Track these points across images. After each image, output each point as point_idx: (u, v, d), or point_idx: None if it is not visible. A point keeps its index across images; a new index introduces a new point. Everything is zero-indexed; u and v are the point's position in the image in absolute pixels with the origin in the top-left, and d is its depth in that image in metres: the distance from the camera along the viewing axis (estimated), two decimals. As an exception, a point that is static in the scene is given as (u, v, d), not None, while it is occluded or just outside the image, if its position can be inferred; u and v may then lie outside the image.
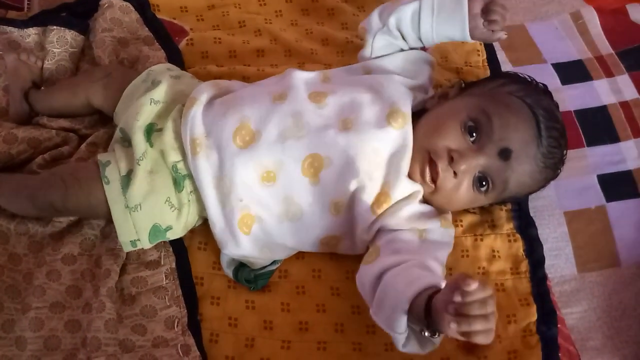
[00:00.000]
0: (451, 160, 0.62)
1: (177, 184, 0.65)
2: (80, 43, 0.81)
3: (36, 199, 0.64)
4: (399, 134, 0.64)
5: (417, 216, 0.65)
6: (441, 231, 0.66)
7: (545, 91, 0.69)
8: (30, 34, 0.80)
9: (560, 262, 0.75)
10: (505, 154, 0.63)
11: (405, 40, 0.70)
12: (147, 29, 0.83)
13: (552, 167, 0.66)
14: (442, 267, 0.63)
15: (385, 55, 0.71)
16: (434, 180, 0.63)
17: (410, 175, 0.65)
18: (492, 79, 0.70)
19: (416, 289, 0.54)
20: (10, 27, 0.80)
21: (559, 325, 0.69)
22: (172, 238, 0.67)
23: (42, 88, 0.77)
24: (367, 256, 0.63)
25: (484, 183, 0.64)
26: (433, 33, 0.68)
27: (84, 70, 0.79)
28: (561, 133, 0.66)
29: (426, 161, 0.64)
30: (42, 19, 0.81)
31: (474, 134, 0.63)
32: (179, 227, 0.66)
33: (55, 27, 0.79)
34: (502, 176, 0.64)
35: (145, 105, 0.67)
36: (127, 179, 0.64)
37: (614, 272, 0.74)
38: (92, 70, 0.77)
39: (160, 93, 0.68)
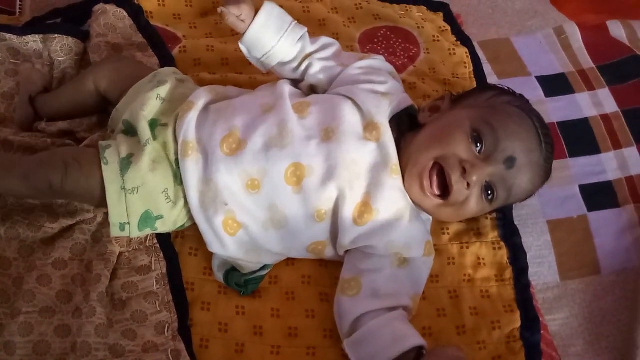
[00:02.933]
0: (463, 171, 0.64)
1: (177, 177, 0.66)
2: (82, 50, 0.82)
3: (32, 177, 0.63)
4: (376, 147, 0.65)
5: (403, 240, 0.66)
6: (422, 260, 0.68)
7: (528, 100, 0.72)
8: (29, 41, 0.80)
9: (543, 269, 0.76)
10: (510, 163, 0.65)
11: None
12: (140, 35, 0.84)
13: (548, 171, 0.69)
14: (416, 299, 0.67)
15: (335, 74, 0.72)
16: (447, 193, 0.64)
17: (408, 190, 0.66)
18: (482, 91, 0.72)
19: (401, 349, 0.60)
20: (9, 34, 0.80)
21: (542, 332, 0.71)
22: (160, 230, 0.67)
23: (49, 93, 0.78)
24: (347, 287, 0.65)
25: (489, 192, 0.66)
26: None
27: (94, 62, 0.80)
28: (552, 139, 0.69)
29: (426, 172, 0.64)
30: (42, 27, 0.81)
31: (479, 144, 0.65)
32: (169, 219, 0.66)
33: (57, 35, 0.80)
34: (507, 184, 0.66)
35: (151, 99, 0.68)
36: (127, 161, 0.64)
37: (595, 280, 0.76)
38: (104, 57, 0.79)
39: (165, 91, 0.69)
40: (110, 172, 0.64)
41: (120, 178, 0.64)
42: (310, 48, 0.72)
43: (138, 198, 0.64)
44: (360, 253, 0.67)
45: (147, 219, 0.65)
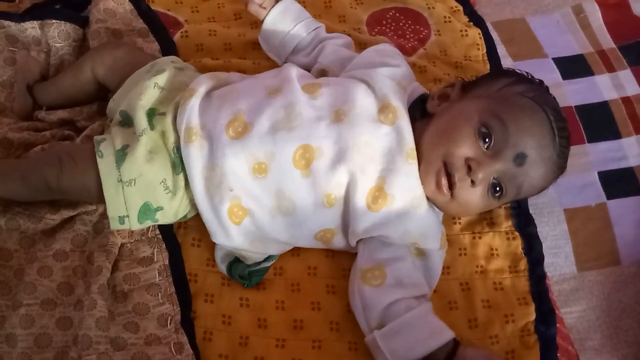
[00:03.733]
0: (469, 169, 0.61)
1: (175, 166, 0.65)
2: (80, 36, 0.80)
3: (29, 178, 0.63)
4: (391, 130, 0.63)
5: (419, 230, 0.64)
6: (439, 254, 0.67)
7: (547, 88, 0.68)
8: (28, 28, 0.79)
9: (559, 260, 0.74)
10: (520, 159, 0.62)
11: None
12: (141, 20, 0.82)
13: (562, 166, 0.66)
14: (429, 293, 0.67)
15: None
16: (451, 191, 0.63)
17: (423, 184, 0.64)
18: (495, 78, 0.68)
19: (439, 343, 0.60)
20: (7, 22, 0.78)
21: (557, 325, 0.68)
22: (160, 221, 0.66)
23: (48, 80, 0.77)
24: (371, 277, 0.63)
25: (497, 189, 0.64)
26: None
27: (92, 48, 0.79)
28: (568, 131, 0.65)
29: (442, 172, 0.62)
30: (39, 13, 0.80)
31: (487, 140, 0.62)
32: (170, 210, 0.65)
33: (54, 21, 0.78)
34: (516, 181, 0.63)
35: (149, 88, 0.67)
36: (122, 153, 0.63)
37: (614, 271, 0.73)
38: (102, 43, 0.78)
39: (164, 79, 0.68)
40: (105, 164, 0.62)
41: (116, 170, 0.62)
42: (324, 35, 0.77)
43: (136, 190, 0.63)
44: (377, 242, 0.65)
45: (146, 210, 0.64)
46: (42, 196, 0.66)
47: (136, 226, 0.65)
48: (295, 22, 0.75)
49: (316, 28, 0.77)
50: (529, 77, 0.68)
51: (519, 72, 0.69)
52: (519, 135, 0.62)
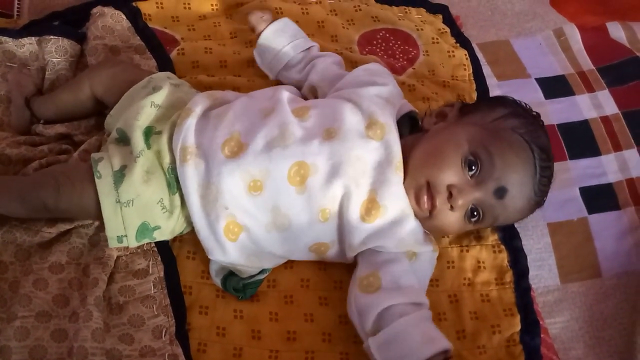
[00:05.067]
0: (450, 195, 0.64)
1: (171, 186, 0.66)
2: (78, 52, 0.81)
3: (27, 199, 0.64)
4: (379, 145, 0.65)
5: (413, 237, 0.66)
6: (430, 255, 0.69)
7: (540, 123, 0.70)
8: (25, 44, 0.80)
9: (543, 272, 0.76)
10: (500, 193, 0.65)
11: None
12: (138, 37, 0.83)
13: (540, 202, 0.69)
14: None
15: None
16: (430, 211, 0.65)
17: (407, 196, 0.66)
18: (492, 107, 0.70)
19: (433, 351, 0.59)
20: (5, 37, 0.79)
21: (542, 335, 0.70)
22: (158, 239, 0.67)
23: (45, 94, 0.77)
24: (367, 284, 0.64)
25: (475, 214, 0.66)
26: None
27: (90, 65, 0.80)
28: (552, 171, 0.68)
29: (424, 190, 0.65)
30: (37, 29, 0.81)
31: (473, 168, 0.64)
32: (167, 229, 0.66)
33: (52, 37, 0.79)
34: (494, 212, 0.66)
35: (145, 107, 0.67)
36: (120, 174, 0.64)
37: (595, 283, 0.75)
38: (100, 61, 0.79)
39: (160, 97, 0.69)
40: (103, 186, 0.63)
41: (114, 191, 0.63)
42: (316, 53, 0.79)
43: (134, 210, 0.64)
44: (372, 250, 0.67)
45: (144, 230, 0.65)
46: (41, 215, 0.67)
47: (134, 245, 0.66)
48: (290, 40, 0.78)
49: (309, 47, 0.79)
50: (526, 108, 0.71)
51: (517, 102, 0.71)
52: (504, 170, 0.64)
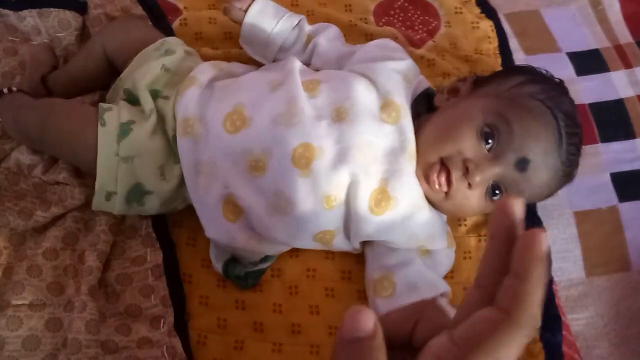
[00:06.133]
0: (466, 170, 0.58)
1: (174, 154, 0.62)
2: (81, 24, 0.77)
3: (17, 119, 0.63)
4: (394, 129, 0.60)
5: (425, 232, 0.62)
6: (445, 252, 0.64)
7: (563, 89, 0.64)
8: (26, 17, 0.75)
9: (568, 265, 0.71)
10: (522, 164, 0.59)
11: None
12: (140, 7, 0.78)
13: (569, 174, 0.63)
14: None
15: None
16: (446, 192, 0.60)
17: (419, 181, 0.61)
18: (508, 76, 0.64)
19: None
20: (5, 10, 0.75)
21: (563, 332, 0.66)
22: (146, 207, 0.63)
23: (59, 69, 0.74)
24: (381, 288, 0.62)
25: (497, 192, 0.60)
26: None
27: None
28: (580, 138, 0.62)
29: (435, 168, 0.59)
30: (37, 0, 0.76)
31: (490, 141, 0.59)
32: (158, 197, 0.62)
33: (52, 9, 0.75)
34: (517, 187, 0.60)
35: (155, 69, 0.64)
36: (126, 127, 0.61)
37: (624, 277, 0.71)
38: (116, 17, 0.76)
39: (172, 61, 0.66)
40: (106, 134, 0.60)
41: (115, 143, 0.60)
42: (309, 29, 0.72)
43: (131, 168, 0.60)
44: (383, 248, 0.63)
45: (136, 191, 0.61)
46: (35, 146, 0.66)
47: (121, 206, 0.62)
48: (276, 20, 0.71)
49: (298, 22, 0.71)
50: (547, 75, 0.65)
51: (536, 70, 0.65)
52: (524, 138, 0.58)
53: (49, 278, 0.62)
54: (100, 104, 0.63)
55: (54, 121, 0.61)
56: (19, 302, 0.60)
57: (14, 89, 0.67)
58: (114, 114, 0.61)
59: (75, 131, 0.61)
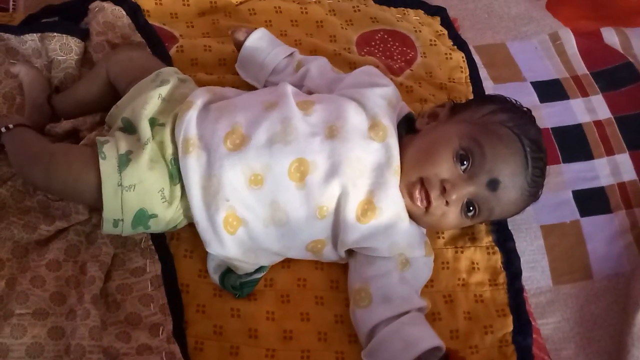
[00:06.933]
0: (443, 190, 0.65)
1: (173, 177, 0.66)
2: (82, 49, 0.80)
3: (22, 171, 0.66)
4: (381, 147, 0.66)
5: (406, 240, 0.67)
6: (424, 260, 0.69)
7: (530, 118, 0.71)
8: (27, 41, 0.79)
9: (536, 274, 0.77)
10: (493, 185, 0.66)
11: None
12: (139, 34, 0.83)
13: (534, 194, 0.69)
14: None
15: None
16: (426, 208, 0.66)
17: (403, 196, 0.67)
18: (481, 104, 0.71)
19: (414, 354, 0.61)
20: (7, 34, 0.78)
21: (534, 336, 0.71)
22: (152, 229, 0.67)
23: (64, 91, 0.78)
24: (359, 299, 0.66)
25: (471, 208, 0.67)
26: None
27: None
28: (545, 162, 0.69)
29: (417, 186, 0.66)
30: (39, 26, 0.80)
31: (465, 162, 0.65)
32: (163, 219, 0.66)
33: (55, 34, 0.79)
34: (488, 205, 0.67)
35: (153, 98, 0.68)
36: (125, 158, 0.64)
37: (587, 285, 0.77)
38: (120, 44, 0.80)
39: (167, 91, 0.70)
40: (107, 167, 0.63)
41: (117, 174, 0.63)
42: (300, 57, 0.79)
43: (134, 195, 0.64)
44: (363, 258, 0.68)
45: (141, 217, 0.65)
46: (39, 189, 0.69)
47: (128, 231, 0.66)
48: (272, 47, 0.79)
49: (292, 52, 0.79)
50: (516, 105, 0.72)
51: (507, 99, 0.72)
52: (495, 161, 0.65)
53: (51, 288, 0.64)
54: (98, 137, 0.66)
55: (56, 171, 0.64)
56: (23, 311, 0.62)
57: (11, 126, 0.69)
58: (112, 146, 0.65)
59: (78, 177, 0.64)
